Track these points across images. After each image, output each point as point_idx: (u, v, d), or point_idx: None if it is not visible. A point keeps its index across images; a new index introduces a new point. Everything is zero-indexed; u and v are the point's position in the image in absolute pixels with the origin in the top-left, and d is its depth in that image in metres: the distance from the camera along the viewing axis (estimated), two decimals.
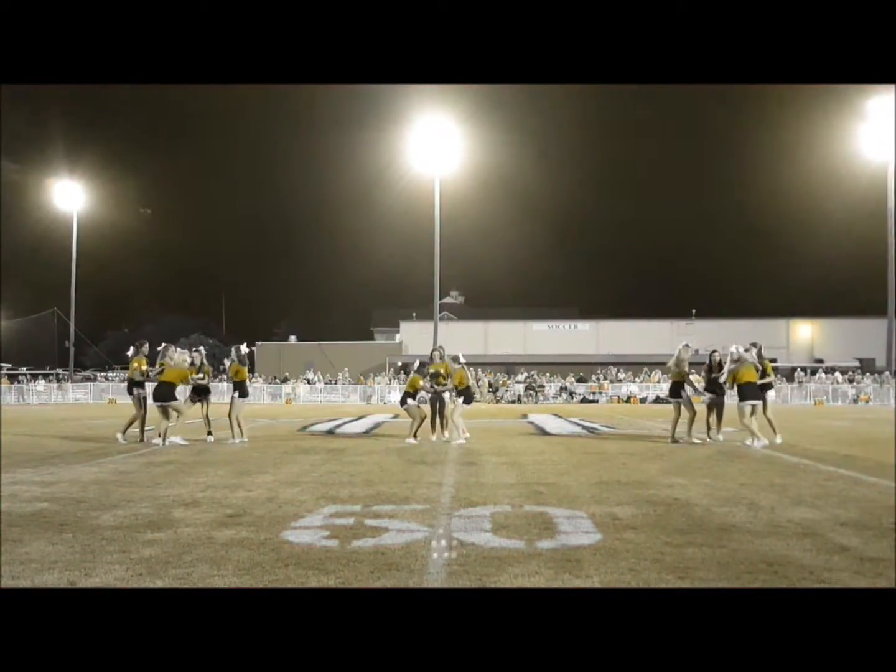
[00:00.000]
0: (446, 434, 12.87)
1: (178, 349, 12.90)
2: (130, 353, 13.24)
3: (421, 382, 12.71)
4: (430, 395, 12.98)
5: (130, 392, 13.14)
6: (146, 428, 13.02)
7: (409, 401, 12.69)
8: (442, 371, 12.70)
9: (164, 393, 12.24)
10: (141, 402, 13.01)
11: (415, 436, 12.53)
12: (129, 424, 12.96)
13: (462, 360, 12.84)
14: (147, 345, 13.40)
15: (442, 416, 12.97)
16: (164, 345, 12.86)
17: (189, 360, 12.66)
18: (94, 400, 40.76)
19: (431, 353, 13.26)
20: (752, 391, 11.52)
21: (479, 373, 40.90)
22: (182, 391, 12.78)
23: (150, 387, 13.06)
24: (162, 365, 12.49)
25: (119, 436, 12.69)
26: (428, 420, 12.99)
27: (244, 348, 13.36)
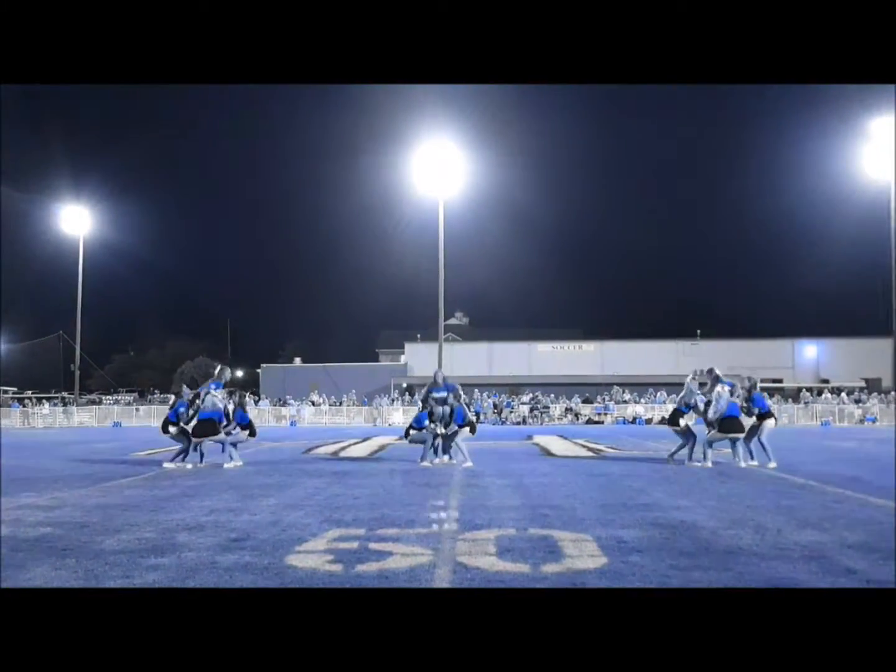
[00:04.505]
0: (448, 457, 12.82)
1: (212, 391, 12.64)
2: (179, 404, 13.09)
3: (427, 422, 12.61)
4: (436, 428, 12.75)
5: (166, 431, 12.91)
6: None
7: (413, 432, 12.71)
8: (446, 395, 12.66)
9: (207, 429, 12.26)
10: (184, 434, 12.73)
11: (426, 458, 12.53)
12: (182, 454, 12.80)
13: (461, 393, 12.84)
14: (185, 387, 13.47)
15: (446, 439, 12.91)
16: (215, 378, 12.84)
17: (222, 404, 12.57)
18: (99, 423, 40.76)
19: (435, 376, 13.20)
20: (732, 425, 11.94)
21: (484, 394, 40.82)
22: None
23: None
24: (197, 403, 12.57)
25: (169, 465, 12.48)
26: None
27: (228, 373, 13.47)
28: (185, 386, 13.94)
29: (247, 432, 13.14)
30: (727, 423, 11.84)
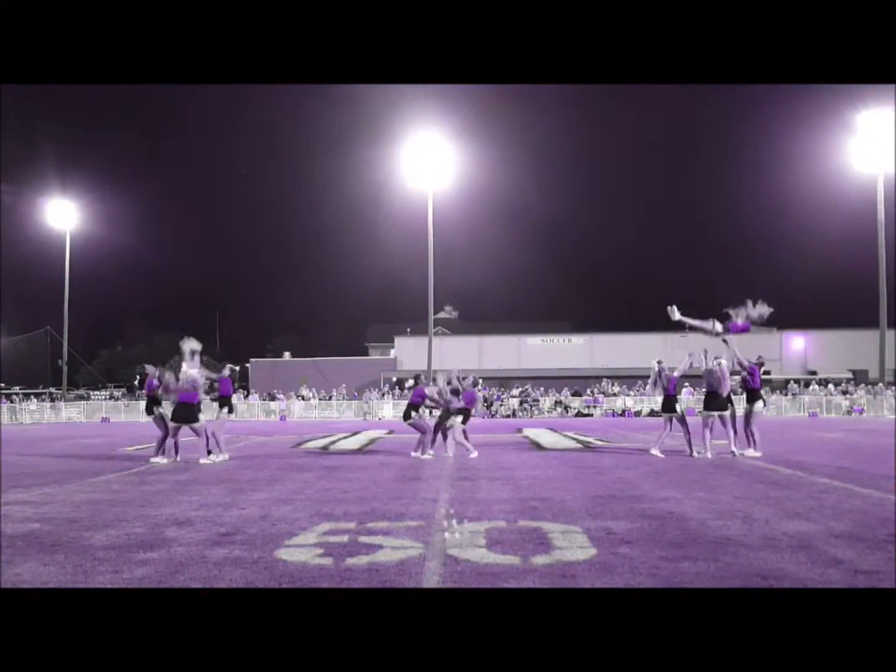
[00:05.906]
0: (448, 451, 12.86)
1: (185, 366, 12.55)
2: (148, 382, 13.10)
3: (429, 390, 12.88)
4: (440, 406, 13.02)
5: (150, 412, 12.84)
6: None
7: (414, 414, 12.74)
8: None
9: (187, 413, 12.13)
10: (164, 421, 12.65)
11: (422, 450, 12.58)
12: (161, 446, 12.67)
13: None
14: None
15: (445, 432, 12.96)
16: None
17: (201, 380, 12.42)
18: (87, 419, 40.59)
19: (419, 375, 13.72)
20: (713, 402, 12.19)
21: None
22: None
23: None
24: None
25: (155, 459, 12.36)
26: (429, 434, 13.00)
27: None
28: (146, 366, 13.67)
29: (225, 409, 12.90)
30: (715, 400, 11.99)
